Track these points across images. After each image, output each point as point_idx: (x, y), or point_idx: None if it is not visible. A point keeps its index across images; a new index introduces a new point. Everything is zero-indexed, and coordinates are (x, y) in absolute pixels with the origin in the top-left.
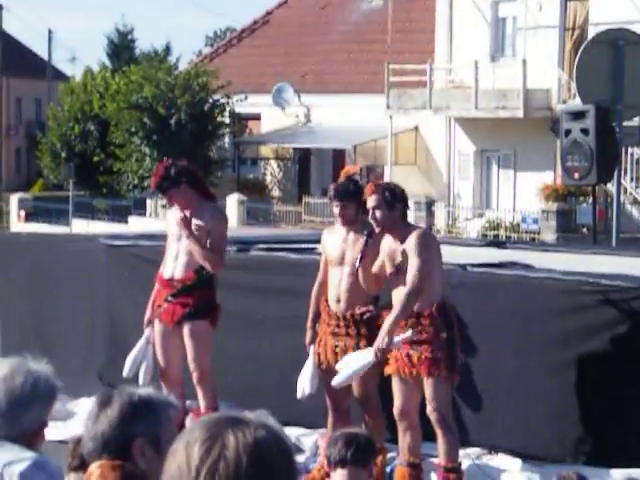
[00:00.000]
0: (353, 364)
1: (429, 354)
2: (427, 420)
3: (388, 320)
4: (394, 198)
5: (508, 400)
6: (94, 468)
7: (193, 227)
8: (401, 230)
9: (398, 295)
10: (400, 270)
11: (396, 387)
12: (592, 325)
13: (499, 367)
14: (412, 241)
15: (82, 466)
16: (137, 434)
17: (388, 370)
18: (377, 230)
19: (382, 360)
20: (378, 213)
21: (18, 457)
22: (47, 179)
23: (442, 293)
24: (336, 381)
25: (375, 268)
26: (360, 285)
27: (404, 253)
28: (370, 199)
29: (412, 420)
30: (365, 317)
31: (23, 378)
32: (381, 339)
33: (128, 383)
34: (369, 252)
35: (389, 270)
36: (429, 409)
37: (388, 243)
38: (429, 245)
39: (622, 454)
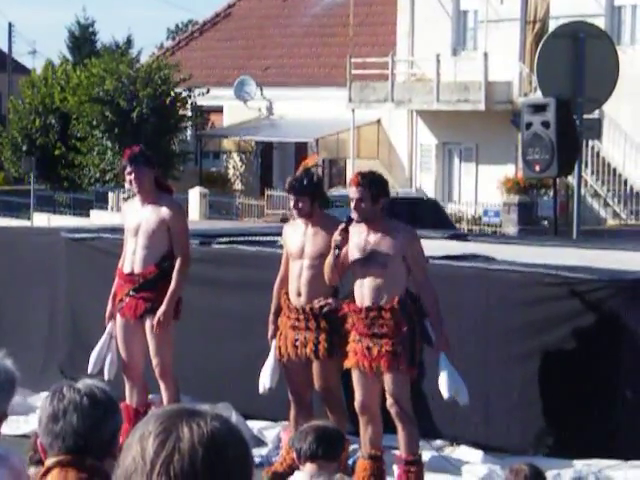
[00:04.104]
0: (445, 379)
1: (389, 347)
2: (388, 412)
3: (437, 322)
4: (379, 191)
5: (469, 392)
6: (53, 463)
7: (154, 220)
8: (382, 223)
9: (426, 297)
10: (375, 262)
11: (356, 380)
12: (553, 317)
13: (461, 359)
14: (409, 240)
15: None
16: (117, 428)
17: (348, 363)
18: (358, 221)
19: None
20: (362, 205)
21: None
22: (8, 172)
23: (405, 287)
24: (448, 396)
25: (342, 258)
26: (320, 278)
27: (395, 247)
28: (354, 190)
29: (373, 413)
30: (325, 310)
31: None
32: (445, 339)
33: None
34: (345, 242)
35: (359, 262)
36: (389, 402)
37: (361, 235)
38: (419, 241)
39: (584, 445)
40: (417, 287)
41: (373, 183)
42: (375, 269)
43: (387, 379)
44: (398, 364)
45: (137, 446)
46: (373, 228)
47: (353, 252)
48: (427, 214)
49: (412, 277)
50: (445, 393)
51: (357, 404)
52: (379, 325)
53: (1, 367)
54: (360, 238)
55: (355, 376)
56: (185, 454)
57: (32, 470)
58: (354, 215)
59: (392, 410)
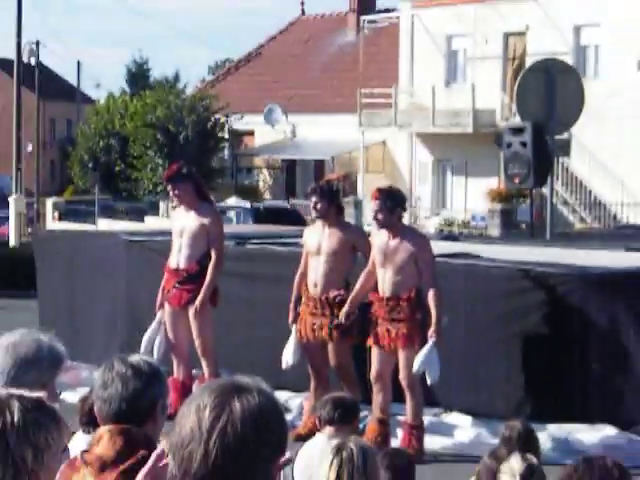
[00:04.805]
0: (421, 357)
1: (405, 330)
2: (396, 385)
3: (435, 316)
4: (394, 203)
5: (461, 368)
6: (104, 431)
7: (196, 224)
8: (399, 230)
9: (432, 294)
10: (393, 262)
11: (374, 355)
12: (529, 305)
13: (454, 341)
14: (422, 245)
15: (90, 422)
16: (158, 397)
17: (370, 342)
18: (378, 230)
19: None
20: (380, 216)
21: None
22: (77, 185)
23: (418, 282)
24: (416, 369)
25: (370, 265)
26: (334, 272)
27: (409, 251)
28: (374, 203)
29: (385, 383)
30: (337, 300)
31: (29, 344)
32: (437, 329)
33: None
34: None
35: (381, 261)
36: (402, 375)
37: (383, 239)
38: (430, 246)
39: (557, 411)
40: (425, 285)
41: (389, 196)
42: (393, 267)
43: (402, 356)
44: (411, 344)
45: (194, 417)
46: (392, 234)
47: (376, 254)
48: (291, 220)
49: (422, 276)
50: (415, 367)
51: (373, 374)
52: (397, 312)
53: (45, 344)
54: (382, 242)
55: (374, 352)
56: (237, 425)
57: (80, 432)
58: (374, 223)
59: (404, 382)
